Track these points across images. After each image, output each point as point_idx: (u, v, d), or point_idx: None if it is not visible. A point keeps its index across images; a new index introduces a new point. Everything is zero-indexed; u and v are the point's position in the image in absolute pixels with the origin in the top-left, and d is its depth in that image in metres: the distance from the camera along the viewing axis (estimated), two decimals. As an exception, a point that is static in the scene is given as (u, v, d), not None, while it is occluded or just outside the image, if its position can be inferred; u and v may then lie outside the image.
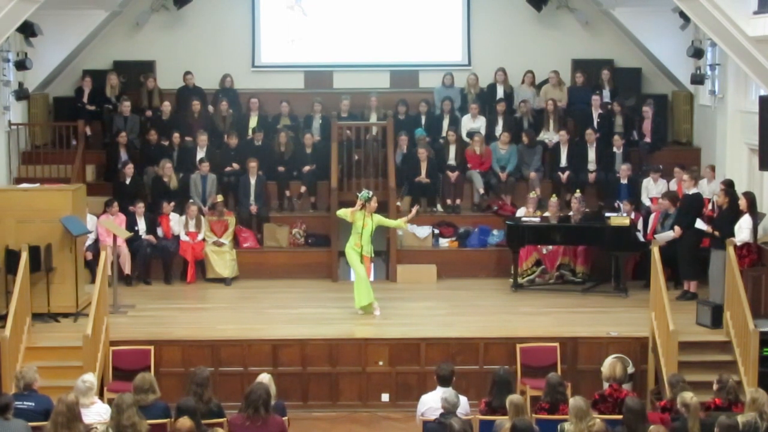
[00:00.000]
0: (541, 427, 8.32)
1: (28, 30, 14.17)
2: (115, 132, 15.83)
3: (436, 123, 16.39)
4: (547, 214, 14.35)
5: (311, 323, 12.36)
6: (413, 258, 14.77)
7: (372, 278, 14.39)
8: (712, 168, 14.64)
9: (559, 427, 8.21)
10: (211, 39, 17.45)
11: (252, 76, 17.53)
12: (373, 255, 13.16)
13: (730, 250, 11.24)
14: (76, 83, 17.02)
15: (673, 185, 14.49)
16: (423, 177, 15.45)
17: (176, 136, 15.74)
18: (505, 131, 15.84)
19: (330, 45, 17.70)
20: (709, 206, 13.69)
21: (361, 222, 12.70)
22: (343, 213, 12.91)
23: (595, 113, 16.19)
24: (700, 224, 12.69)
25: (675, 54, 16.41)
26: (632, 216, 13.97)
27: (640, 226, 14.11)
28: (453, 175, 15.52)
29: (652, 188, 14.94)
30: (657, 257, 11.52)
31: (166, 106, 16.34)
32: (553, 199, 14.50)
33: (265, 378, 8.91)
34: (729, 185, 12.75)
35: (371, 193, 12.98)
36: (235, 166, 15.55)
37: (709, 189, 14.17)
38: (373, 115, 16.38)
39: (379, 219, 12.99)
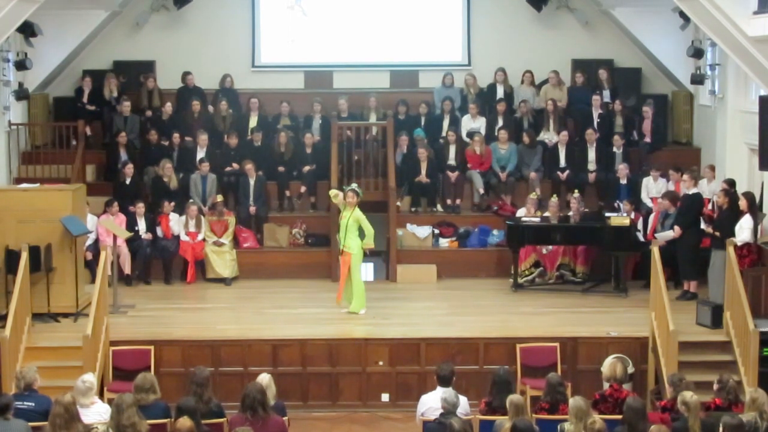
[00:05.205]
0: (541, 427, 8.33)
1: (28, 30, 14.16)
2: (115, 132, 15.82)
3: (436, 123, 16.37)
4: (547, 214, 14.34)
5: (311, 323, 12.35)
6: (413, 258, 14.75)
7: (372, 278, 14.45)
8: (712, 168, 14.62)
9: (559, 427, 8.21)
10: (211, 39, 17.44)
11: (252, 76, 17.52)
12: (355, 252, 12.64)
13: (730, 250, 11.24)
14: (76, 83, 17.02)
15: (672, 185, 14.47)
16: (423, 177, 15.44)
17: (176, 136, 15.75)
18: (502, 130, 15.83)
19: (330, 45, 17.69)
20: (709, 206, 13.69)
21: (341, 212, 12.75)
22: (334, 193, 13.04)
23: (595, 113, 16.17)
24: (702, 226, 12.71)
25: (675, 54, 16.41)
26: (632, 216, 13.97)
27: (640, 226, 14.10)
28: (453, 175, 15.50)
29: (652, 187, 14.92)
30: (657, 257, 11.52)
31: (167, 107, 16.33)
32: (554, 199, 14.50)
33: (265, 378, 8.91)
34: (730, 185, 12.75)
35: (352, 187, 12.91)
36: (235, 166, 15.54)
37: (709, 189, 14.16)
38: (372, 115, 16.36)
39: (358, 216, 12.67)
